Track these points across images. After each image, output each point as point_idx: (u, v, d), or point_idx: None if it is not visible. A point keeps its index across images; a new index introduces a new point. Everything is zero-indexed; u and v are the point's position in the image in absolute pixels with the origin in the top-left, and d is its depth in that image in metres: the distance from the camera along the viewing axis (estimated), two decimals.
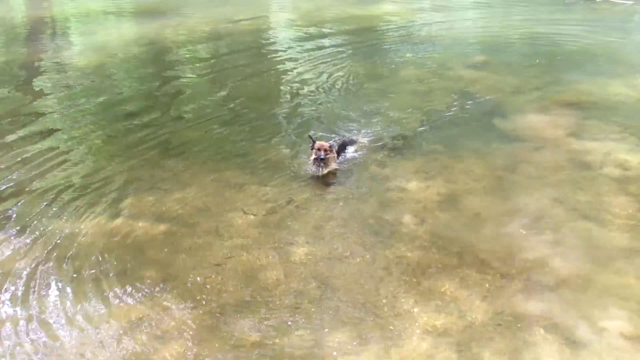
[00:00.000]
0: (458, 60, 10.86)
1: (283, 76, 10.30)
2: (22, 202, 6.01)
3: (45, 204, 5.95)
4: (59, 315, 4.41)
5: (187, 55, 12.22)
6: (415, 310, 4.37)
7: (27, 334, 4.23)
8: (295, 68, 10.65)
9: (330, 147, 6.29)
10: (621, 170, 6.33)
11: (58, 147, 7.35)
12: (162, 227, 5.53)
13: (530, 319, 4.24)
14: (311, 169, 6.41)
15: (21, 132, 7.89)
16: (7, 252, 5.15)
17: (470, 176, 6.33)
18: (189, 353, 4.05)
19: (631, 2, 15.74)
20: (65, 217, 5.69)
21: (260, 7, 17.17)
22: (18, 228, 5.52)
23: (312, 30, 14.01)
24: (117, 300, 4.55)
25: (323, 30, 13.92)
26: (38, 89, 10.02)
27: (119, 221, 5.63)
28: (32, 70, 11.30)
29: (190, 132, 7.87)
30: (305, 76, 10.10)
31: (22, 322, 4.33)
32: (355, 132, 7.50)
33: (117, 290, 4.67)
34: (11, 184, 6.40)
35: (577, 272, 4.74)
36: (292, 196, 6.02)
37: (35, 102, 9.23)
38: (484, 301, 4.43)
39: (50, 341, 4.16)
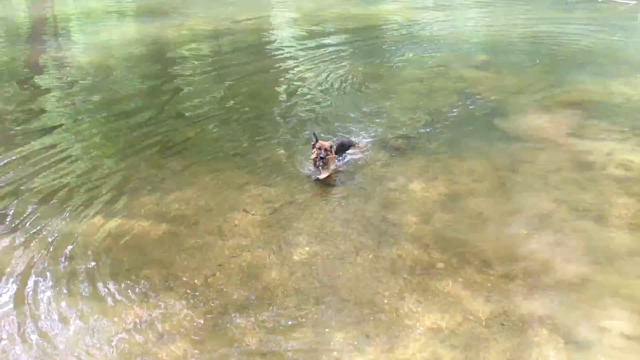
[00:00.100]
0: (460, 60, 10.86)
1: (284, 75, 10.30)
2: (22, 200, 6.01)
3: (45, 202, 5.96)
4: (60, 315, 4.41)
5: (189, 55, 12.23)
6: (418, 310, 4.37)
7: (27, 334, 4.23)
8: (296, 67, 10.66)
9: (330, 147, 6.26)
10: (623, 170, 6.32)
11: (59, 146, 7.36)
12: (164, 227, 5.53)
13: (532, 320, 4.24)
14: (311, 169, 6.39)
15: (22, 130, 7.93)
16: (7, 251, 5.15)
17: (472, 176, 6.32)
18: (191, 353, 4.05)
19: (634, 2, 15.72)
20: (65, 216, 5.70)
21: (263, 6, 17.18)
22: (18, 227, 5.52)
23: (313, 29, 14.03)
24: (118, 300, 4.55)
25: (324, 29, 13.94)
26: (39, 87, 10.05)
27: (120, 220, 5.63)
28: (33, 69, 11.34)
29: (191, 130, 7.88)
30: (307, 76, 10.10)
31: (22, 322, 4.34)
32: (355, 133, 7.49)
33: (118, 290, 4.67)
34: (11, 182, 6.41)
35: (579, 273, 4.74)
36: (294, 196, 6.02)
37: (36, 101, 9.25)
38: (486, 301, 4.43)
39: (50, 341, 4.16)
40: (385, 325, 4.24)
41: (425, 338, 4.10)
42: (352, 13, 15.54)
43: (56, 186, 6.28)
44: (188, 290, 4.65)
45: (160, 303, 4.52)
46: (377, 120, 7.98)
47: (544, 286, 4.60)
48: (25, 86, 10.28)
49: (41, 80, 10.44)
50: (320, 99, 8.96)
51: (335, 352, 4.02)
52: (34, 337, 4.21)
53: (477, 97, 8.76)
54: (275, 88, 9.73)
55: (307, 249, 5.15)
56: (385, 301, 4.47)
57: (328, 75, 9.97)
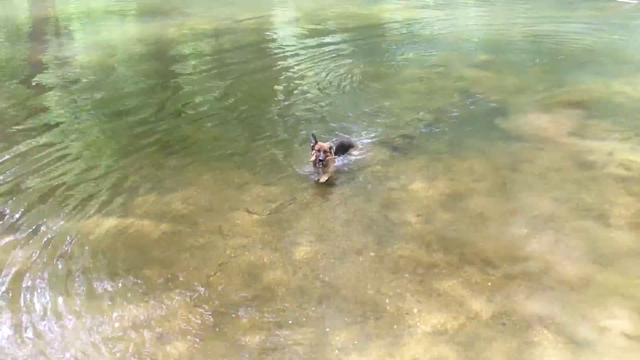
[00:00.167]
0: (460, 59, 10.86)
1: (285, 74, 10.29)
2: (22, 199, 6.02)
3: (44, 201, 5.97)
4: (59, 314, 4.41)
5: (190, 54, 12.24)
6: (419, 309, 4.37)
7: (28, 333, 4.23)
8: (297, 66, 10.65)
9: (330, 148, 6.23)
10: (624, 170, 6.32)
11: (59, 144, 7.37)
12: (165, 226, 5.54)
13: (533, 319, 4.24)
14: (312, 170, 6.37)
15: (23, 128, 7.95)
16: (6, 250, 5.15)
17: (473, 176, 6.32)
18: (192, 352, 4.05)
19: (636, 2, 15.70)
20: (65, 215, 5.70)
21: (263, 6, 17.16)
22: (17, 225, 5.53)
23: (314, 28, 14.03)
24: (118, 300, 4.55)
25: (326, 29, 13.95)
26: (40, 86, 10.04)
27: (120, 219, 5.64)
28: (34, 68, 11.36)
29: (191, 129, 7.88)
30: (307, 75, 10.10)
31: (23, 321, 4.34)
32: (355, 133, 7.49)
33: (118, 289, 4.67)
34: (11, 180, 6.41)
35: (580, 272, 4.74)
36: (295, 195, 6.02)
37: (36, 100, 9.26)
38: (487, 301, 4.44)
39: (51, 340, 4.17)
40: (386, 325, 4.24)
41: (427, 338, 4.11)
42: (353, 12, 15.54)
43: (56, 185, 6.29)
44: (189, 290, 4.66)
45: (160, 303, 4.53)
46: (378, 119, 7.98)
47: (544, 286, 4.60)
48: (26, 85, 10.29)
49: (42, 79, 10.44)
50: (321, 98, 8.96)
51: (336, 352, 4.02)
52: (32, 336, 4.21)
53: (478, 96, 8.76)
54: (276, 87, 9.72)
55: (308, 248, 5.15)
56: (387, 301, 4.47)
57: (329, 74, 9.98)
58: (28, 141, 7.43)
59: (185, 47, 12.80)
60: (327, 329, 4.22)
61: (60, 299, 4.56)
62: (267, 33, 14.16)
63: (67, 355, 4.04)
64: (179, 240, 5.33)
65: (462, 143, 7.12)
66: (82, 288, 4.69)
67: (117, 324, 4.31)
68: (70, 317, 4.38)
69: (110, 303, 4.53)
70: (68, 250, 5.17)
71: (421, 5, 16.48)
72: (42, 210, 5.80)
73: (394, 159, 6.77)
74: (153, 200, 5.98)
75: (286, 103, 8.90)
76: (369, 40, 12.76)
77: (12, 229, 5.50)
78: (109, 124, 8.25)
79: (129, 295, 4.61)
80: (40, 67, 11.31)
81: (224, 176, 6.48)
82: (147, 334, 4.22)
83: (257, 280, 4.76)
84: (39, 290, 4.66)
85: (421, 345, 4.04)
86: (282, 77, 10.14)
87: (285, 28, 14.96)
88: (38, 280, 4.77)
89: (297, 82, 9.82)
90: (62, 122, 8.24)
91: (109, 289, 4.68)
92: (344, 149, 6.72)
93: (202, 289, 4.66)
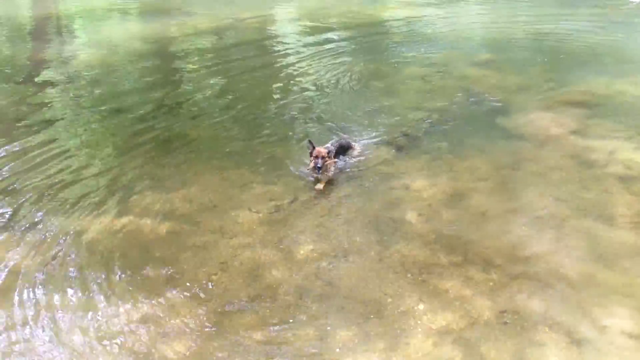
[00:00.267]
0: (462, 58, 10.84)
1: (286, 74, 10.29)
2: (22, 197, 6.02)
3: (46, 199, 5.98)
4: (63, 313, 4.43)
5: (192, 53, 12.23)
6: (420, 308, 4.38)
7: (30, 332, 4.24)
8: (299, 66, 10.64)
9: (328, 152, 6.18)
10: (626, 169, 6.31)
11: (60, 143, 7.39)
12: (167, 225, 5.54)
13: (534, 318, 4.25)
14: (312, 176, 6.32)
15: (24, 126, 7.97)
16: (9, 250, 5.16)
17: (474, 174, 6.33)
18: (194, 351, 4.06)
19: (638, 1, 15.66)
20: (68, 215, 5.70)
21: (266, 5, 17.16)
22: (19, 226, 5.53)
23: (316, 27, 14.02)
24: (121, 299, 4.56)
25: (327, 27, 13.93)
26: (42, 84, 10.06)
27: (122, 219, 5.64)
28: (36, 66, 11.36)
29: (193, 128, 7.89)
30: (309, 73, 10.10)
31: (25, 320, 4.35)
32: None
33: (122, 288, 4.68)
34: (12, 178, 6.42)
35: (582, 271, 4.75)
36: (296, 194, 6.03)
37: (38, 99, 9.26)
38: (489, 300, 4.44)
39: (53, 339, 4.18)
40: (388, 323, 4.25)
41: (428, 337, 4.11)
42: (354, 10, 15.53)
43: (57, 183, 6.30)
44: (190, 289, 4.66)
45: (162, 301, 4.54)
46: (379, 118, 7.98)
47: (546, 285, 4.60)
48: (27, 82, 10.33)
49: (43, 77, 10.48)
50: (321, 97, 8.97)
51: (337, 350, 4.03)
52: (35, 335, 4.22)
53: (480, 95, 8.75)
54: (278, 86, 9.73)
55: (310, 247, 5.16)
56: (388, 300, 4.48)
57: (329, 73, 9.97)
58: (29, 140, 7.44)
59: (187, 46, 12.80)
60: (329, 328, 4.22)
61: (60, 298, 4.58)
62: (269, 32, 14.16)
63: (68, 354, 4.06)
64: (181, 239, 5.34)
65: (463, 142, 7.12)
66: (82, 287, 4.70)
67: (118, 323, 4.32)
68: (71, 315, 4.40)
69: (111, 302, 4.53)
70: (68, 248, 5.18)
71: (423, 4, 16.45)
72: (44, 209, 5.80)
73: (396, 158, 6.77)
74: (154, 199, 5.99)
75: (286, 101, 8.90)
76: (370, 39, 12.75)
77: (14, 227, 5.51)
78: (110, 121, 8.26)
79: (130, 294, 4.62)
80: (41, 65, 11.33)
81: (225, 175, 6.48)
82: (148, 332, 4.23)
83: (258, 279, 4.77)
84: (39, 288, 4.67)
85: (423, 344, 4.05)
86: (282, 75, 10.15)
87: (286, 26, 14.96)
88: (37, 278, 4.78)
89: (297, 80, 9.82)
90: (63, 120, 8.27)
91: (110, 287, 4.69)
92: (343, 150, 6.69)
93: (204, 288, 4.67)
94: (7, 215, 5.73)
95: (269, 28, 14.56)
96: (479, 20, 14.43)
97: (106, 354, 4.05)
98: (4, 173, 6.56)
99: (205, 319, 4.35)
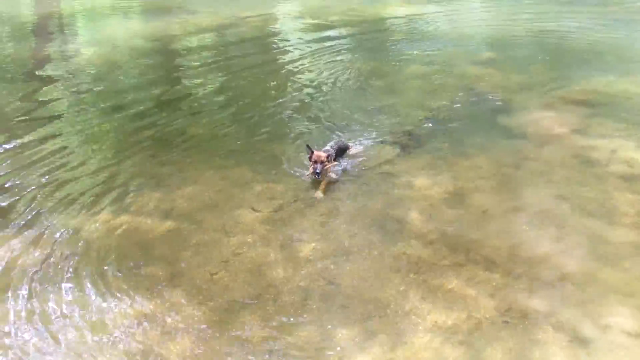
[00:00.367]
0: (464, 56, 10.84)
1: (288, 73, 10.29)
2: (23, 195, 6.02)
3: (47, 198, 5.98)
4: (65, 312, 4.43)
5: (193, 51, 12.24)
6: (422, 307, 4.38)
7: (32, 331, 4.25)
8: (301, 65, 10.64)
9: (328, 156, 6.16)
10: (627, 167, 6.31)
11: (61, 141, 7.41)
12: (169, 224, 5.55)
13: (536, 317, 4.26)
14: (311, 177, 6.27)
15: (24, 125, 7.97)
16: (11, 248, 5.17)
17: (476, 173, 6.32)
18: (196, 349, 4.07)
19: None
20: (69, 213, 5.71)
21: (267, 3, 17.16)
22: (21, 224, 5.53)
23: (318, 26, 14.01)
24: (123, 297, 4.57)
25: (329, 26, 13.92)
26: (44, 80, 10.08)
27: (124, 217, 5.65)
28: (39, 63, 11.37)
29: (195, 127, 7.90)
30: (312, 73, 10.10)
31: (27, 319, 4.36)
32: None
33: (124, 287, 4.69)
34: (12, 176, 6.42)
35: (583, 270, 4.75)
36: (299, 193, 6.03)
37: (39, 98, 9.27)
38: (491, 298, 4.44)
39: (55, 338, 4.19)
40: (390, 322, 4.25)
41: (430, 335, 4.12)
42: (356, 8, 15.53)
43: (58, 181, 6.30)
44: (192, 287, 4.67)
45: (164, 300, 4.54)
46: (381, 117, 7.98)
47: (548, 283, 4.61)
48: (29, 79, 10.37)
49: (46, 74, 10.49)
50: (323, 95, 8.96)
51: (339, 349, 4.04)
52: (37, 333, 4.23)
53: (482, 94, 8.75)
54: (278, 84, 9.72)
55: (311, 245, 5.16)
56: (390, 298, 4.48)
57: (332, 72, 9.97)
58: (30, 138, 7.45)
59: (188, 44, 12.81)
60: (330, 327, 4.23)
61: (62, 296, 4.58)
62: (272, 31, 14.16)
63: (70, 353, 4.06)
64: (183, 237, 5.35)
65: (465, 141, 7.12)
66: (84, 285, 4.70)
67: (120, 321, 4.32)
68: (72, 314, 4.40)
69: (113, 300, 4.54)
70: (69, 247, 5.18)
71: (424, 1, 16.45)
72: (40, 205, 5.81)
73: (398, 157, 6.77)
74: (156, 197, 5.99)
75: (287, 99, 8.90)
76: (371, 37, 12.76)
77: (15, 225, 5.51)
78: (111, 118, 8.27)
79: (133, 292, 4.62)
80: (43, 63, 11.33)
81: (227, 173, 6.49)
82: (151, 330, 4.24)
83: (260, 277, 4.78)
84: (41, 287, 4.67)
85: (425, 343, 4.06)
86: (285, 76, 10.13)
87: (288, 24, 14.96)
88: (41, 276, 4.79)
89: (298, 78, 9.83)
90: (64, 116, 8.30)
91: (113, 286, 4.69)
92: (341, 151, 6.66)
93: (206, 286, 4.68)
94: (5, 212, 5.73)
95: (270, 26, 14.57)
96: (480, 18, 14.41)
97: (106, 353, 4.05)
98: (4, 169, 6.58)
99: (207, 317, 4.36)
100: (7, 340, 4.17)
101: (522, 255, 4.96)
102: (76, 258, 5.04)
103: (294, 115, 8.21)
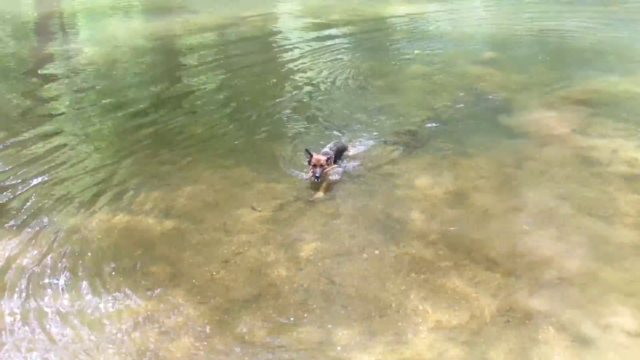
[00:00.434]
0: (465, 56, 10.82)
1: (289, 73, 10.28)
2: (25, 195, 6.02)
3: (47, 197, 5.97)
4: (66, 311, 4.42)
5: (194, 50, 12.22)
6: (424, 307, 4.37)
7: (33, 330, 4.24)
8: (302, 64, 10.64)
9: (327, 159, 6.12)
10: (629, 167, 6.30)
11: (62, 141, 7.39)
12: (170, 223, 5.54)
13: (538, 316, 4.25)
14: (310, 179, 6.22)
15: (25, 124, 7.97)
16: (13, 248, 5.16)
17: (478, 173, 6.32)
18: (197, 349, 4.06)
19: None
20: (68, 211, 5.70)
21: (268, 2, 17.15)
22: (22, 223, 5.52)
23: (319, 25, 14.00)
24: (124, 297, 4.57)
25: (329, 25, 13.91)
26: (45, 80, 10.08)
27: (124, 216, 5.64)
28: (40, 62, 11.37)
29: (195, 126, 7.89)
30: (312, 73, 10.09)
31: (28, 319, 4.35)
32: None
33: (125, 286, 4.68)
34: (15, 177, 6.41)
35: (584, 269, 4.74)
36: (300, 193, 6.02)
37: (40, 94, 9.29)
38: (492, 298, 4.44)
39: (56, 337, 4.18)
40: (391, 322, 4.25)
41: (431, 335, 4.11)
42: (357, 8, 15.50)
43: (57, 179, 6.30)
44: (193, 287, 4.67)
45: (164, 299, 4.54)
46: (382, 117, 7.97)
47: (549, 283, 4.60)
48: (30, 77, 10.38)
49: (46, 72, 10.49)
50: (324, 94, 8.96)
51: (339, 348, 4.03)
52: (38, 333, 4.22)
53: (483, 93, 8.74)
54: (279, 83, 9.71)
55: (312, 245, 5.15)
56: (391, 298, 4.48)
57: (332, 71, 9.96)
58: (31, 137, 7.45)
59: (189, 43, 12.78)
60: (331, 327, 4.22)
61: (62, 296, 4.57)
62: (272, 31, 14.13)
63: (70, 352, 4.05)
64: (184, 237, 5.34)
65: (466, 140, 7.11)
66: (85, 284, 4.70)
67: (121, 321, 4.32)
68: (74, 313, 4.39)
69: (115, 300, 4.54)
70: (67, 245, 5.17)
71: (425, 0, 16.42)
72: (39, 203, 5.82)
73: (399, 156, 6.76)
74: (156, 196, 5.98)
75: (287, 99, 8.88)
76: (372, 36, 12.75)
77: (16, 224, 5.50)
78: (111, 117, 8.29)
79: (133, 291, 4.62)
80: (44, 61, 11.33)
81: (229, 173, 6.48)
82: (151, 330, 4.23)
83: (261, 277, 4.77)
84: (42, 286, 4.66)
85: (426, 342, 4.05)
86: (286, 76, 10.13)
87: (289, 24, 14.96)
88: (42, 276, 4.78)
89: (299, 77, 9.83)
90: (64, 114, 8.31)
91: (113, 285, 4.69)
92: (340, 153, 6.63)
93: (206, 286, 4.67)
94: (3, 209, 5.72)
95: (270, 25, 14.54)
96: (481, 17, 14.41)
97: (108, 351, 4.05)
98: (3, 166, 6.57)
99: (207, 316, 4.35)
100: (3, 339, 4.16)
101: (523, 255, 4.96)
102: (75, 257, 5.03)
103: (294, 114, 8.21)
